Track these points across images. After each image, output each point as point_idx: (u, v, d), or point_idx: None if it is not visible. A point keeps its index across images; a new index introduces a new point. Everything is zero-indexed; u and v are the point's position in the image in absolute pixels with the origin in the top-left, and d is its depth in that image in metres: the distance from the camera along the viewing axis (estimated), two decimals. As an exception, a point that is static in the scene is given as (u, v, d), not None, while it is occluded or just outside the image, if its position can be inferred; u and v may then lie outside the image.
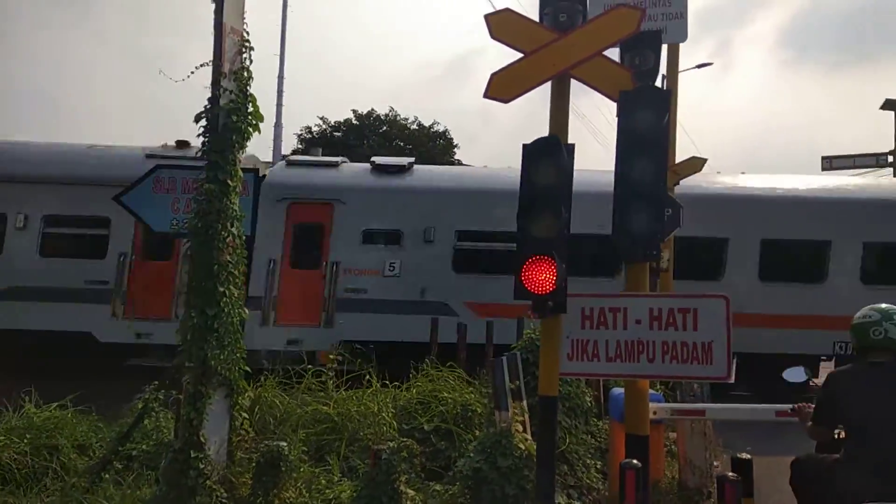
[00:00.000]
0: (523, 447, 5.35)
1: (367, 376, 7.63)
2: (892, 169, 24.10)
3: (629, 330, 4.99)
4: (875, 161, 24.63)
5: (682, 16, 8.01)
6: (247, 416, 5.97)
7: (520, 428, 5.60)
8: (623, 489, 4.21)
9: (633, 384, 5.12)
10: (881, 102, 23.49)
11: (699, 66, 25.05)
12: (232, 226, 5.63)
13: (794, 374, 5.10)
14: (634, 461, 4.34)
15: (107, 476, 5.55)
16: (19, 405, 6.93)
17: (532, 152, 4.89)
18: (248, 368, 5.91)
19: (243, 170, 5.89)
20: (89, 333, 11.61)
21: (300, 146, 23.55)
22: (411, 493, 5.11)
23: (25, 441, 6.18)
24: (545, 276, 4.73)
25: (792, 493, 4.36)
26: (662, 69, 8.56)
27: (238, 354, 5.68)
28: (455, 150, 24.51)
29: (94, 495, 5.21)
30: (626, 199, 4.90)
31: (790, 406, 4.66)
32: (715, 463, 6.07)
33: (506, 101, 5.26)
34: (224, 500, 5.08)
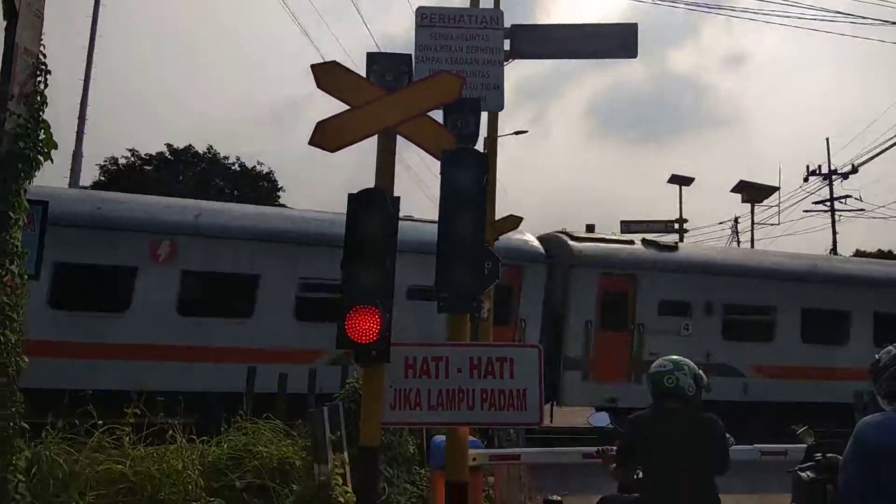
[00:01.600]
0: (343, 500, 5.22)
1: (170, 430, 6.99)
2: (677, 234, 27.91)
3: (451, 378, 5.12)
4: (664, 227, 28.34)
5: (498, 87, 8.64)
6: (23, 479, 5.18)
7: (340, 480, 5.46)
8: (443, 537, 4.26)
9: (454, 431, 5.24)
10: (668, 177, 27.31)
11: (516, 133, 27.23)
12: (12, 263, 5.00)
13: (599, 420, 5.51)
14: (454, 508, 4.43)
15: None
16: None
17: (358, 202, 4.94)
18: (25, 425, 5.18)
19: (30, 201, 5.31)
20: None
21: (102, 178, 21.59)
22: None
23: None
24: (369, 326, 4.74)
25: None
26: (484, 132, 9.21)
27: (13, 409, 4.96)
28: (280, 192, 23.94)
29: None
30: (449, 254, 5.11)
31: (596, 449, 5.04)
32: (530, 507, 6.34)
33: (331, 151, 5.29)
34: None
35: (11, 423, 4.92)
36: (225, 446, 6.89)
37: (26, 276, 5.22)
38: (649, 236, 14.68)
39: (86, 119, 18.42)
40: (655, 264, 13.26)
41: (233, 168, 22.76)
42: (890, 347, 3.07)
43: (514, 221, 11.01)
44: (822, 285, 13.67)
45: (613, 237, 14.92)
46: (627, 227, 28.39)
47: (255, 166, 23.11)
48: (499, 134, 11.09)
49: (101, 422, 6.92)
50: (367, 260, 4.86)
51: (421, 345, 5.62)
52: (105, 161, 21.53)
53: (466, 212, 5.07)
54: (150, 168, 21.20)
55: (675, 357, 4.58)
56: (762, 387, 12.83)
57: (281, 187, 24.07)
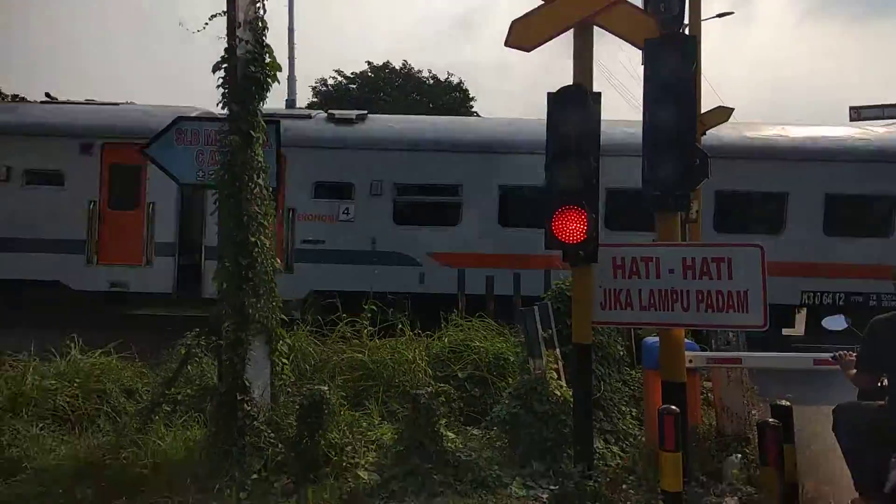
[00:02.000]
0: (559, 393, 5.50)
1: (399, 326, 7.78)
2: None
3: (662, 279, 5.04)
4: (905, 111, 24.10)
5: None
6: (286, 362, 6.14)
7: (554, 375, 5.74)
8: (662, 434, 4.35)
9: (669, 333, 5.20)
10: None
11: (720, 15, 24.33)
12: (258, 177, 5.67)
13: (834, 323, 5.15)
14: (673, 406, 4.47)
15: (157, 418, 5.77)
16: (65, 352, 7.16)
17: (557, 101, 4.88)
18: (284, 317, 6.05)
19: (265, 121, 5.89)
20: None
21: (315, 99, 23.32)
22: (451, 435, 5.29)
23: (75, 385, 6.42)
24: (575, 226, 4.81)
25: (834, 440, 4.46)
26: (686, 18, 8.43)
27: (274, 303, 5.80)
28: (472, 102, 24.16)
29: (147, 435, 5.43)
30: (655, 149, 4.90)
31: (831, 354, 4.73)
32: (753, 411, 6.15)
33: (527, 50, 5.22)
34: (272, 440, 5.28)
35: (274, 315, 5.78)
36: (446, 340, 7.54)
37: (271, 189, 5.94)
38: (336, 111, 12.36)
39: (294, 44, 19.88)
40: (310, 141, 11.40)
41: (426, 82, 23.30)
42: None
43: (723, 113, 10.14)
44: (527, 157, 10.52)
45: (288, 112, 13.27)
46: (857, 113, 24.52)
47: (446, 78, 23.47)
48: (702, 18, 10.13)
49: (344, 315, 7.92)
50: (571, 159, 4.86)
51: (629, 245, 5.56)
52: (316, 82, 23.19)
53: (675, 103, 4.79)
54: (354, 87, 22.48)
55: None
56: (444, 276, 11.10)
57: (473, 97, 24.25)
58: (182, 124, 6.57)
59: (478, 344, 7.25)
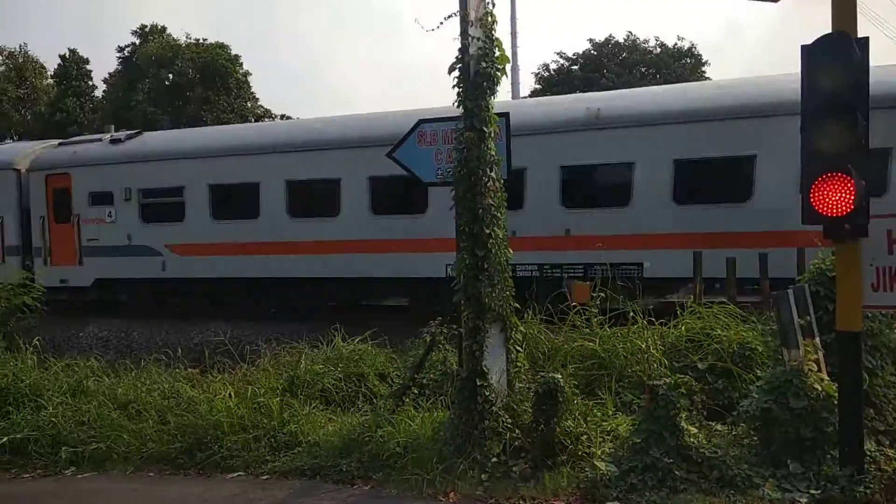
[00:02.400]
0: (819, 388, 4.90)
1: (631, 314, 7.53)
2: None
3: None
4: None
5: None
6: (520, 350, 6.31)
7: (814, 367, 5.11)
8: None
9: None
10: None
11: None
12: (491, 170, 5.84)
13: None
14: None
15: (407, 400, 6.33)
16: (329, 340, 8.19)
17: (815, 53, 4.28)
18: (517, 305, 6.21)
19: (496, 114, 6.03)
20: None
21: (538, 86, 23.45)
22: (693, 430, 5.01)
23: (339, 369, 7.32)
24: (840, 195, 4.21)
25: None
26: None
27: (507, 292, 5.98)
28: (705, 67, 22.33)
29: (399, 416, 5.99)
30: None
31: None
32: None
33: (775, 1, 4.71)
34: (509, 426, 5.49)
35: (508, 304, 5.97)
36: (683, 329, 7.13)
37: (502, 180, 6.11)
38: (116, 133, 15.55)
39: (516, 32, 20.16)
40: (88, 160, 14.18)
41: (652, 52, 22.07)
42: None
43: None
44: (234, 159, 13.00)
45: (84, 138, 16.27)
46: None
47: (675, 44, 21.95)
48: None
49: (574, 304, 7.91)
50: (833, 119, 4.26)
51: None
52: (538, 69, 23.31)
53: None
54: (576, 68, 22.16)
55: None
56: (179, 263, 13.14)
57: (706, 62, 22.40)
58: (423, 126, 7.03)
59: (719, 332, 6.74)
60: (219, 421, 6.11)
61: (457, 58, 5.88)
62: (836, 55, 4.21)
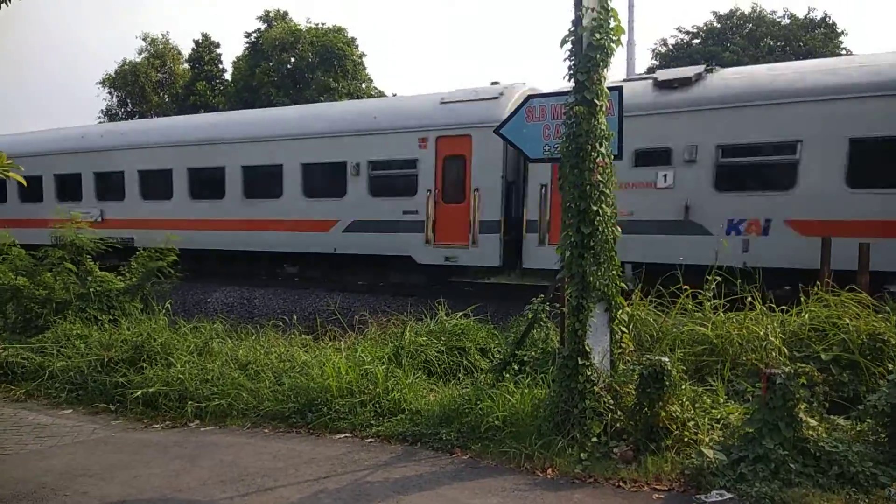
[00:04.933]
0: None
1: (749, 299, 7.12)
2: None
3: None
4: None
5: None
6: (625, 331, 6.15)
7: (959, 363, 4.64)
8: None
9: None
10: None
11: None
12: (601, 146, 5.66)
13: None
14: None
15: (507, 375, 6.36)
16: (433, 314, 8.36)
17: None
18: (624, 285, 6.04)
19: (608, 88, 5.84)
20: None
21: (655, 62, 22.47)
22: (812, 422, 4.69)
23: (441, 342, 7.47)
24: None
25: None
26: None
27: (614, 271, 5.82)
28: (841, 37, 20.41)
29: (498, 390, 6.03)
30: None
31: None
32: None
33: None
34: (610, 407, 5.38)
35: (613, 283, 5.82)
36: (806, 316, 6.66)
37: (612, 156, 5.93)
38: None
39: (634, 6, 19.33)
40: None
41: (780, 22, 20.47)
42: None
43: None
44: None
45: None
46: None
47: (806, 14, 20.23)
48: None
49: (686, 287, 7.60)
50: None
51: None
52: (655, 44, 22.31)
53: None
54: (697, 42, 21.02)
55: None
56: None
57: (842, 31, 20.46)
58: (532, 102, 6.92)
59: (847, 322, 6.23)
60: (328, 385, 6.43)
61: (569, 30, 5.74)
62: None
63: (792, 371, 4.82)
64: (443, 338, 7.57)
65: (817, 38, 19.93)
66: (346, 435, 6.03)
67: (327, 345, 7.74)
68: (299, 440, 6.02)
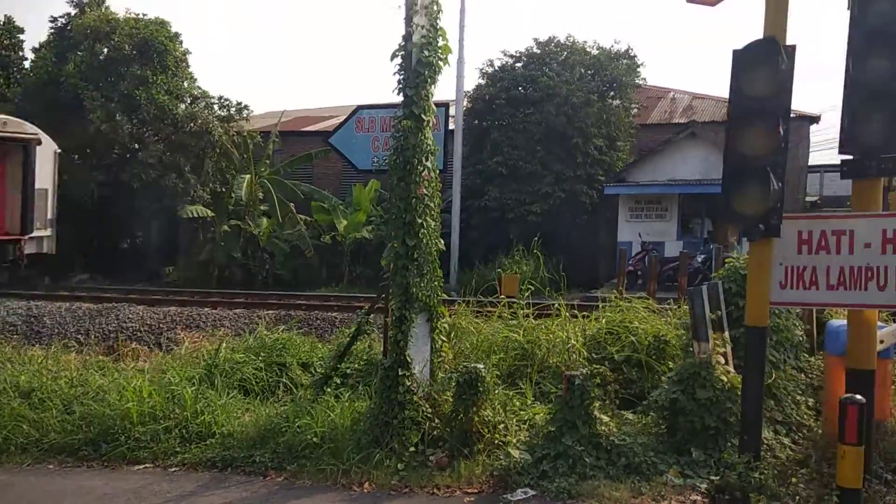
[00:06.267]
0: (725, 379, 5.09)
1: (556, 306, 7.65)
2: None
3: (856, 255, 4.47)
4: None
5: None
6: (445, 340, 6.32)
7: (721, 360, 5.31)
8: (843, 425, 3.87)
9: (859, 315, 4.60)
10: None
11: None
12: (427, 160, 5.82)
13: None
14: (858, 396, 3.97)
15: (328, 390, 6.23)
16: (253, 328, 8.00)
17: (743, 59, 4.43)
18: (445, 295, 6.21)
19: (434, 104, 6.02)
20: None
21: (482, 81, 23.50)
22: (605, 418, 5.12)
23: (260, 359, 7.14)
24: (757, 197, 4.37)
25: None
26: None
27: (436, 283, 5.97)
28: (640, 68, 22.76)
29: (319, 405, 5.88)
30: (860, 105, 4.27)
31: None
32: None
33: (712, 5, 4.85)
34: (428, 415, 5.48)
35: (435, 294, 5.95)
36: (603, 321, 7.29)
37: (437, 171, 6.08)
38: None
39: (465, 25, 20.04)
40: None
41: (591, 53, 22.40)
42: None
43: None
44: None
45: None
46: None
47: (611, 46, 22.33)
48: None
49: (501, 297, 8.00)
50: (756, 123, 4.42)
51: (819, 217, 4.99)
52: (483, 64, 23.28)
53: (885, 52, 4.17)
54: (520, 65, 22.29)
55: None
56: None
57: (641, 63, 22.84)
58: (361, 112, 6.89)
59: (636, 325, 6.91)
60: (128, 411, 5.86)
61: (399, 45, 5.85)
62: (764, 61, 4.34)
63: (588, 372, 5.24)
64: (262, 353, 7.25)
65: (622, 67, 22.04)
66: (148, 465, 5.51)
67: (129, 366, 7.07)
68: (91, 475, 5.40)
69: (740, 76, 4.39)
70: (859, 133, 4.24)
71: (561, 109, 19.29)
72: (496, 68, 22.64)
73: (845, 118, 4.31)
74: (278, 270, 17.98)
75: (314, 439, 5.43)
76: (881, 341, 4.80)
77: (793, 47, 4.37)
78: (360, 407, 5.84)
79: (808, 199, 22.12)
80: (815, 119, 20.25)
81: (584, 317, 7.63)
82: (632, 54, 22.32)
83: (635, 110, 22.06)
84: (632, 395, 6.12)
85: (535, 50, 22.09)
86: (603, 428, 5.00)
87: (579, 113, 19.36)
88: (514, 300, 8.09)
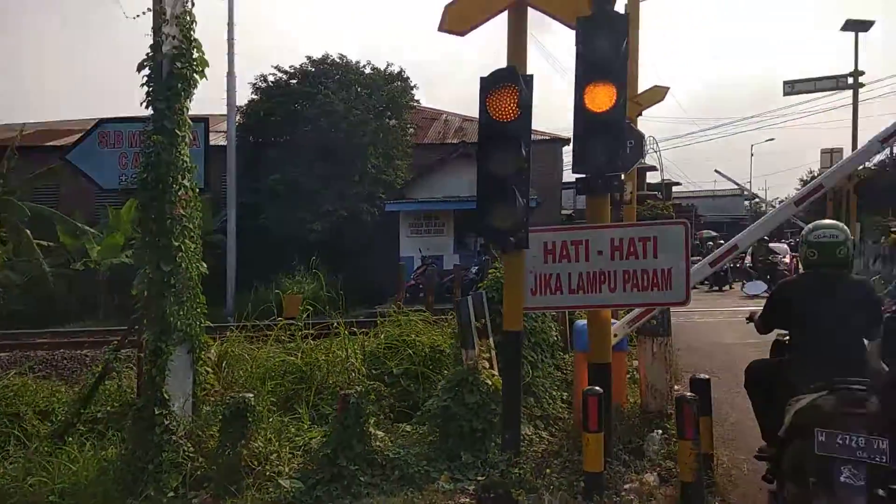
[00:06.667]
0: (490, 383, 5.39)
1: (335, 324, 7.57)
2: (851, 91, 24.14)
3: (591, 262, 5.03)
4: (835, 83, 24.72)
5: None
6: (210, 371, 5.90)
7: (486, 364, 5.63)
8: (586, 415, 4.30)
9: (596, 315, 5.16)
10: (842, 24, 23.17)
11: (659, -5, 24.47)
12: (183, 178, 5.44)
13: (754, 288, 5.37)
14: (597, 388, 4.43)
15: (70, 439, 5.45)
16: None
17: (488, 86, 4.76)
18: (209, 323, 5.82)
19: (192, 119, 5.67)
20: None
21: (255, 96, 22.76)
22: (381, 434, 5.13)
23: (-15, 411, 6.04)
24: (506, 213, 4.72)
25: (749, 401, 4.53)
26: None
27: (198, 310, 5.58)
28: (414, 90, 23.73)
29: (59, 458, 5.12)
30: (586, 131, 4.80)
31: (746, 317, 4.81)
32: (676, 386, 6.22)
33: (461, 34, 5.12)
34: (191, 454, 5.04)
35: (197, 323, 5.53)
36: (382, 336, 7.36)
37: (197, 189, 5.68)
38: None
39: (234, 40, 19.24)
40: None
41: (364, 73, 22.80)
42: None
43: (658, 93, 10.18)
44: None
45: None
46: (791, 87, 25.13)
47: (386, 67, 23.00)
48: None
49: (279, 319, 7.71)
50: (501, 145, 4.75)
51: (560, 229, 5.53)
52: (255, 79, 22.55)
53: (604, 83, 4.70)
54: (295, 81, 21.96)
55: (835, 223, 4.23)
56: None
57: (415, 86, 23.82)
58: (105, 126, 6.27)
59: (413, 338, 7.09)
60: None
61: (147, 55, 5.43)
62: (506, 88, 4.69)
63: (363, 389, 5.23)
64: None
65: (397, 89, 22.77)
66: None
67: None
68: None
69: (487, 101, 4.71)
70: (586, 155, 4.75)
71: (339, 127, 19.40)
72: (270, 84, 22.12)
73: (575, 142, 4.82)
74: (15, 306, 15.54)
75: (52, 498, 4.70)
76: (615, 335, 5.46)
77: (531, 76, 4.81)
78: (110, 454, 5.18)
79: (563, 212, 24.76)
80: (567, 141, 22.79)
81: (364, 333, 7.65)
82: (405, 76, 23.19)
83: (411, 130, 22.91)
84: (409, 407, 6.23)
85: (309, 67, 21.99)
86: (378, 444, 5.00)
87: (357, 131, 19.63)
88: (292, 322, 7.86)
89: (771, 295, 4.41)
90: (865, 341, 3.85)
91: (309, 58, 22.22)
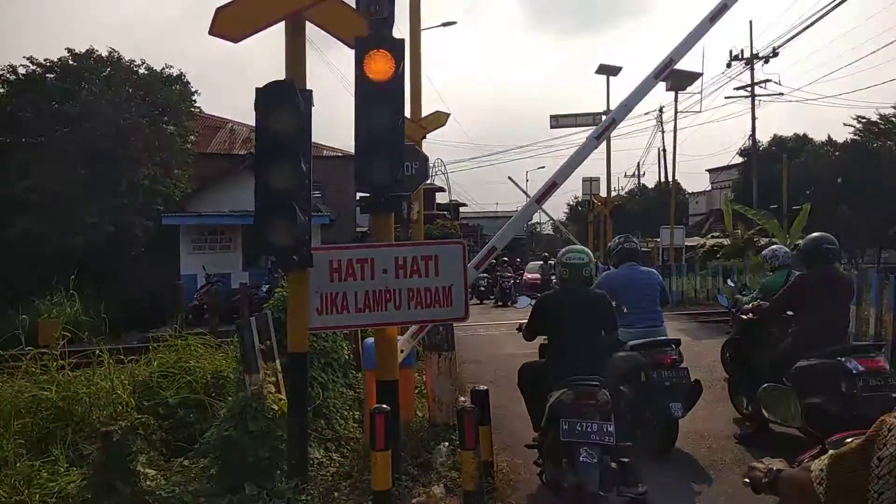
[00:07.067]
0: (276, 408, 5.22)
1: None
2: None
3: (377, 280, 5.10)
4: (592, 119, 28.06)
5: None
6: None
7: (272, 389, 5.44)
8: (373, 433, 4.35)
9: (382, 332, 5.25)
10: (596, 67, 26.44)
11: (444, 25, 25.80)
12: None
13: (522, 302, 6.07)
14: (384, 406, 4.50)
15: None
16: None
17: (266, 97, 4.62)
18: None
19: None
20: None
21: (3, 89, 19.76)
22: (151, 472, 4.71)
23: None
24: (287, 230, 4.60)
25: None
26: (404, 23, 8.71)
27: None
28: (195, 97, 22.30)
29: None
30: (366, 150, 4.88)
31: (517, 327, 5.56)
32: (461, 398, 6.54)
33: (234, 41, 4.90)
34: None
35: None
36: (155, 364, 6.76)
37: None
38: None
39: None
40: None
41: (138, 72, 20.94)
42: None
43: (440, 118, 10.74)
44: None
45: None
46: (556, 121, 28.11)
47: (163, 69, 21.36)
48: (427, 26, 10.67)
49: (29, 349, 6.71)
50: (281, 160, 4.62)
51: (345, 247, 5.54)
52: (2, 70, 19.57)
53: (383, 105, 4.81)
54: (52, 76, 19.45)
55: (582, 248, 5.33)
56: None
57: (196, 91, 22.43)
58: None
59: (193, 364, 6.62)
60: None
61: None
62: (284, 101, 4.57)
63: (129, 423, 4.76)
64: None
65: (175, 93, 21.20)
66: None
67: None
68: None
69: (264, 113, 4.59)
70: (369, 174, 4.83)
71: (106, 131, 17.56)
72: (20, 76, 19.39)
73: (357, 161, 4.88)
74: None
75: None
76: (402, 351, 5.61)
77: (310, 91, 4.78)
78: None
79: (358, 229, 24.88)
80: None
81: (134, 361, 6.96)
82: (185, 80, 21.74)
83: (193, 138, 21.52)
84: (187, 440, 5.79)
85: (70, 62, 19.66)
86: (149, 483, 4.58)
87: (128, 136, 17.93)
88: (45, 351, 6.89)
89: (533, 307, 5.27)
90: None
91: (70, 51, 19.88)
